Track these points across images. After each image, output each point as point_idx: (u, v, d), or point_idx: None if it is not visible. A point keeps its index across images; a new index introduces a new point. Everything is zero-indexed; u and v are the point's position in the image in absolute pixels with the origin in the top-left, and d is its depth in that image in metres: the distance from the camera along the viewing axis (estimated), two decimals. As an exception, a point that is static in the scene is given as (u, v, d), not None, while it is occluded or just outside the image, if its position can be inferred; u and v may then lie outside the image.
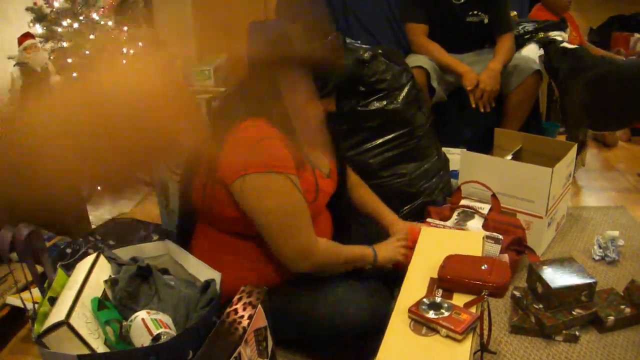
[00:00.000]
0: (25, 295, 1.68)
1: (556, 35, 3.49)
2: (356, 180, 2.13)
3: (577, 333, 1.87)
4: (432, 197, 2.54)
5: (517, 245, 2.20)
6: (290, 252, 1.64)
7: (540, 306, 1.93)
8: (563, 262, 2.03)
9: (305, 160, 1.75)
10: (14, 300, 2.06)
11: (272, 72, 1.69)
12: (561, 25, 3.54)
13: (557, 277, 1.93)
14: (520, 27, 3.38)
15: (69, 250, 2.30)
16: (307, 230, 1.64)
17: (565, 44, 3.04)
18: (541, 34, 3.40)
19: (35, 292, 1.55)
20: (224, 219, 1.70)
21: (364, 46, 2.50)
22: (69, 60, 2.97)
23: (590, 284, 1.91)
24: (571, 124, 3.05)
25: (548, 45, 3.10)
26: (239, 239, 1.74)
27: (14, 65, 2.34)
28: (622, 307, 1.94)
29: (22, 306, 1.99)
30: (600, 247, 2.37)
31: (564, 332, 1.87)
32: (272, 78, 1.68)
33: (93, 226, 2.79)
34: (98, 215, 3.00)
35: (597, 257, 2.35)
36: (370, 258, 1.81)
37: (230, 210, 1.65)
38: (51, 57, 2.87)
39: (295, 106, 1.69)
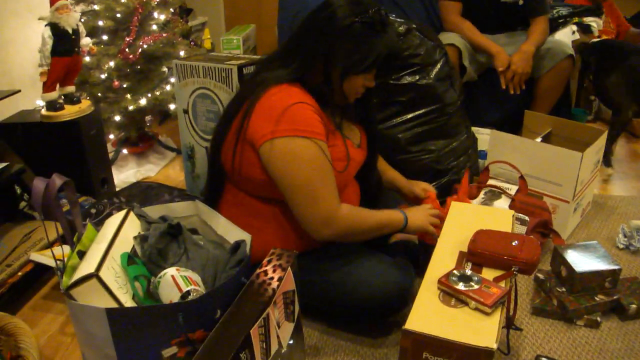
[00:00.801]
0: (55, 250, 1.69)
1: (591, 21, 3.46)
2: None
3: (598, 319, 1.85)
4: (460, 176, 2.52)
5: (543, 228, 2.19)
6: (313, 218, 1.62)
7: (563, 290, 1.92)
8: (588, 247, 2.01)
9: (337, 129, 1.75)
10: (37, 256, 2.07)
11: (312, 41, 1.68)
12: (596, 12, 3.50)
13: (581, 262, 1.91)
14: (554, 11, 3.34)
15: (93, 211, 2.32)
16: (330, 196, 1.62)
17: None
18: (576, 19, 3.37)
19: (65, 248, 1.56)
20: (253, 182, 1.70)
21: (398, 20, 2.48)
22: (100, 23, 2.97)
23: (614, 270, 1.90)
24: (617, 105, 3.04)
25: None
26: (267, 203, 1.74)
27: (45, 26, 2.33)
28: (645, 296, 1.93)
29: (45, 263, 2.02)
30: (625, 235, 2.35)
31: (585, 317, 1.86)
32: (311, 48, 1.68)
33: (117, 189, 2.81)
34: (123, 178, 3.02)
35: (621, 246, 2.33)
36: (400, 223, 1.77)
37: (258, 173, 1.65)
38: (82, 19, 2.87)
39: (332, 78, 1.68)
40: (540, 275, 2.01)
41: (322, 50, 1.65)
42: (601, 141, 2.45)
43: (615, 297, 1.90)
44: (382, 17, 1.64)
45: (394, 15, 2.53)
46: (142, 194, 2.66)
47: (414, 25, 2.48)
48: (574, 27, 3.35)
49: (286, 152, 1.58)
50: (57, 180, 1.33)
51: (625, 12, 4.47)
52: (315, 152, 1.59)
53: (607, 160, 3.07)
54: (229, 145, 1.70)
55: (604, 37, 3.81)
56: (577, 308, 1.85)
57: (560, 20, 3.31)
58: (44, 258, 2.06)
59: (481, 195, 2.29)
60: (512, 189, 2.29)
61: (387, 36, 1.66)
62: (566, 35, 3.23)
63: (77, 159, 2.51)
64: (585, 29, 3.43)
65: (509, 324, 1.43)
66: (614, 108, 3.13)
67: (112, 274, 1.34)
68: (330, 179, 1.63)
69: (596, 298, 1.89)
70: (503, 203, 2.23)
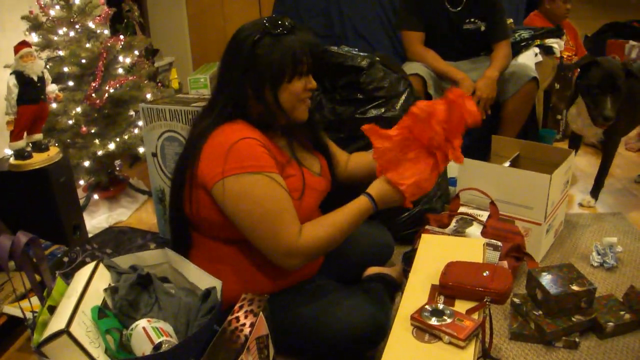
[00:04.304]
0: (24, 304, 1.67)
1: (552, 42, 3.51)
2: (344, 157, 2.09)
3: (576, 339, 1.86)
4: (431, 205, 2.53)
5: (516, 252, 2.20)
6: (275, 252, 1.60)
7: (540, 312, 1.93)
8: (562, 268, 2.02)
9: (293, 157, 1.75)
10: (11, 309, 2.04)
11: (232, 74, 1.69)
12: (557, 33, 3.56)
13: (556, 284, 1.93)
14: (516, 35, 3.39)
15: (65, 259, 2.29)
16: (288, 228, 1.59)
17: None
18: (537, 41, 3.41)
19: (34, 300, 1.54)
20: (212, 224, 1.70)
21: (361, 54, 2.50)
22: (65, 69, 2.97)
23: (589, 290, 1.91)
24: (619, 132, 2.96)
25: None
26: (231, 245, 1.73)
27: (10, 74, 2.32)
28: (622, 313, 1.94)
29: (20, 315, 1.97)
30: (598, 253, 2.37)
31: (563, 338, 1.87)
32: (234, 81, 1.68)
33: (90, 235, 2.78)
34: (95, 223, 2.99)
35: (595, 264, 2.34)
36: (369, 207, 1.71)
37: (216, 214, 1.65)
38: (47, 66, 2.86)
39: (267, 100, 1.68)
40: (517, 300, 2.02)
41: (243, 77, 1.66)
42: (570, 161, 2.48)
43: (592, 316, 1.91)
44: (281, 22, 1.65)
45: (356, 50, 2.55)
46: (115, 240, 2.64)
47: (377, 58, 2.50)
48: (537, 50, 3.40)
49: (237, 191, 1.57)
50: (22, 237, 1.32)
51: (586, 31, 4.57)
52: (266, 186, 1.58)
53: (595, 193, 3.02)
54: (185, 193, 1.70)
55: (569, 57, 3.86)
56: (554, 330, 1.85)
57: (523, 44, 3.35)
58: (17, 311, 2.02)
59: (453, 223, 2.30)
60: (484, 215, 2.31)
61: (294, 36, 1.67)
62: (529, 58, 3.28)
63: (47, 206, 2.48)
64: (547, 51, 3.49)
65: (485, 355, 1.43)
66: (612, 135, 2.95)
67: (83, 328, 1.32)
68: (286, 209, 1.61)
69: (573, 319, 1.89)
70: (475, 230, 2.24)
